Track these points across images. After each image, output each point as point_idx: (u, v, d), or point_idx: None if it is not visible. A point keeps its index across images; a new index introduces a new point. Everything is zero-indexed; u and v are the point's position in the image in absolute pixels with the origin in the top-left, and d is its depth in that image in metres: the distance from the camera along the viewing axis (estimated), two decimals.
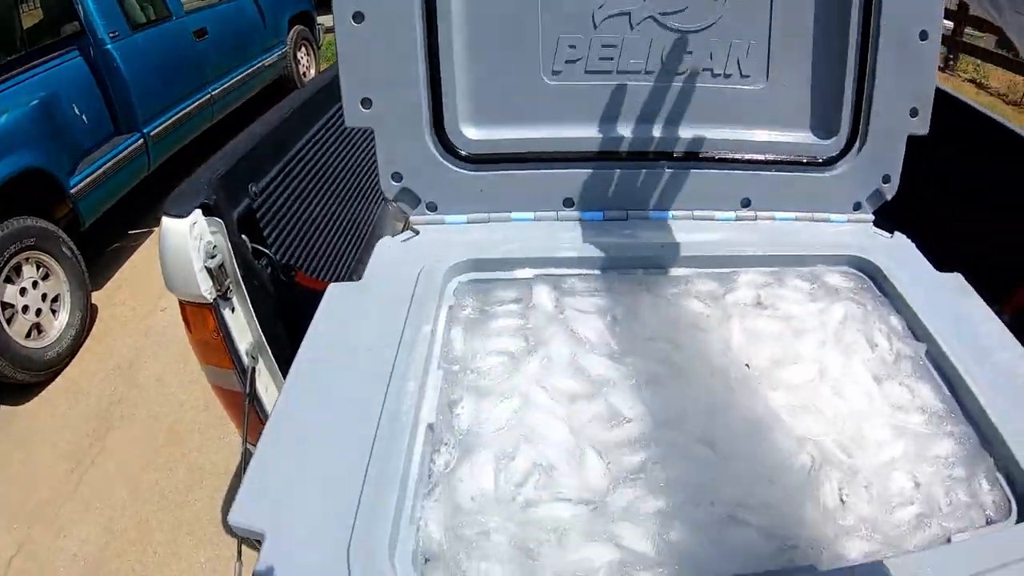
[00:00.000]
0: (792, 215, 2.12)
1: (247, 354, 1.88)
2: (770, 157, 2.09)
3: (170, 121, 5.49)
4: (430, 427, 1.39)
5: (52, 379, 4.04)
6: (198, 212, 1.70)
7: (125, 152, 4.92)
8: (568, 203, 1.98)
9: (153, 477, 3.47)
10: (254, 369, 1.88)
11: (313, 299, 1.69)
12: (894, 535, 1.30)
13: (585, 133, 1.96)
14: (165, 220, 1.69)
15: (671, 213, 2.04)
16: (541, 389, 1.50)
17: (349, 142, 2.81)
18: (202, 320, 1.81)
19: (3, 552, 3.12)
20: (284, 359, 1.92)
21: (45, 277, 4.04)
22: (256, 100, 7.29)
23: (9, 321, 3.77)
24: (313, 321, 1.60)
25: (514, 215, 1.96)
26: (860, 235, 2.10)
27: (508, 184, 1.94)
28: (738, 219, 2.09)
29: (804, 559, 1.25)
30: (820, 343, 1.70)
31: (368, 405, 1.38)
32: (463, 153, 1.90)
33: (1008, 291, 2.40)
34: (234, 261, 1.79)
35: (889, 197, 2.14)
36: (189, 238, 1.67)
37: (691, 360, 1.62)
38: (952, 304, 1.79)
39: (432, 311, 1.61)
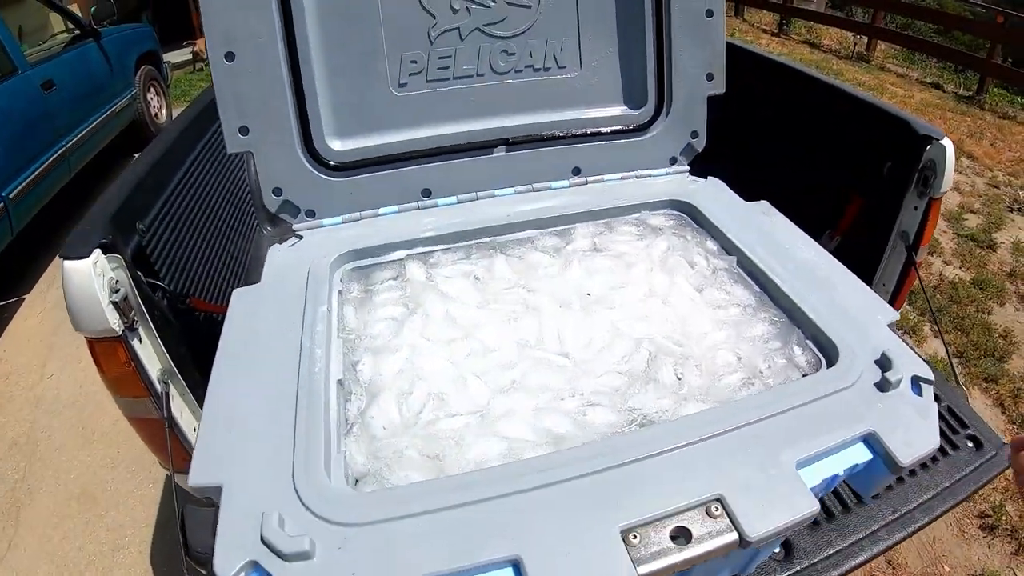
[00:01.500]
0: (618, 176, 2.49)
1: (159, 380, 1.96)
2: (592, 131, 2.45)
3: (28, 180, 5.22)
4: (339, 383, 1.65)
5: None
6: (98, 251, 1.77)
7: None
8: (426, 193, 2.29)
9: (74, 545, 3.36)
10: (167, 394, 1.96)
11: (210, 320, 1.84)
12: (724, 396, 1.64)
13: (433, 132, 2.26)
14: (66, 264, 1.73)
15: (514, 189, 2.38)
16: (424, 340, 1.80)
17: (223, 171, 3.00)
18: (113, 354, 1.86)
19: None
20: (193, 382, 2.09)
21: None
22: (111, 149, 7.10)
23: None
24: (226, 320, 1.80)
25: (382, 210, 2.25)
26: (678, 183, 2.48)
27: (373, 185, 2.22)
28: (571, 186, 2.44)
29: (651, 422, 1.57)
30: (648, 270, 2.05)
31: (287, 373, 1.60)
32: (331, 163, 2.18)
33: (835, 219, 2.85)
34: (136, 293, 1.89)
35: (700, 149, 2.52)
36: (93, 276, 1.73)
37: (542, 299, 1.93)
38: (759, 224, 2.17)
39: (325, 296, 1.86)
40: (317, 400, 1.56)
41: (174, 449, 1.96)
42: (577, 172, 2.47)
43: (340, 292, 1.96)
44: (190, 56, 11.07)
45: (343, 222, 2.23)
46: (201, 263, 2.54)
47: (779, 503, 1.28)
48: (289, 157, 2.12)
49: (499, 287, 2.01)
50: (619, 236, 2.26)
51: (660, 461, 1.37)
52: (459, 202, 2.33)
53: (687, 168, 2.56)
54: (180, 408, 2.05)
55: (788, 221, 2.20)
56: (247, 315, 1.84)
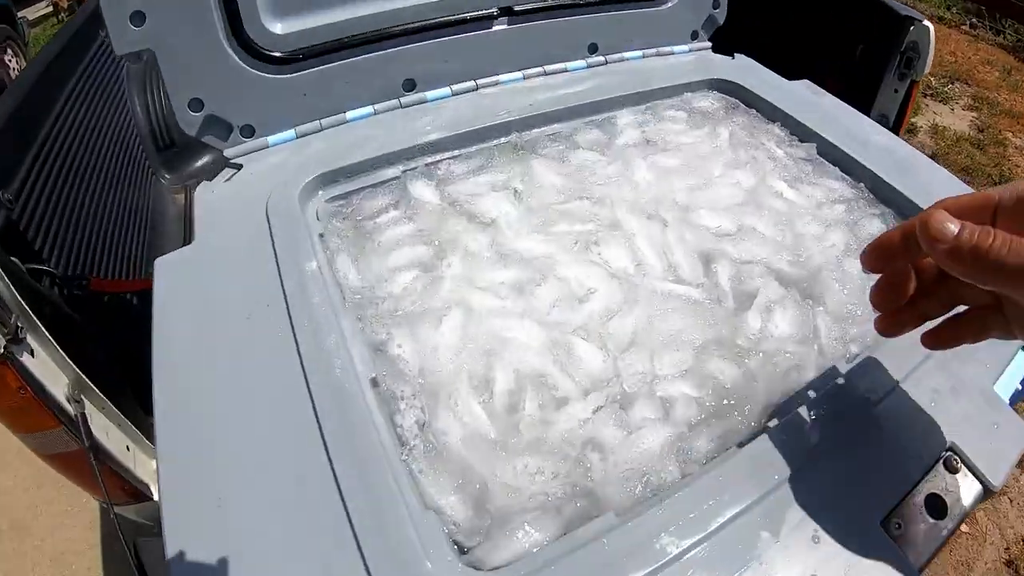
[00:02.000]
0: (639, 53, 1.94)
1: (69, 400, 1.41)
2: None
3: None
4: (374, 383, 1.01)
5: None
6: None
7: None
8: (409, 85, 1.61)
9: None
10: (84, 415, 1.41)
11: (121, 303, 1.28)
12: None
13: (412, 1, 1.60)
14: None
15: (522, 73, 1.73)
16: (479, 290, 1.15)
17: (110, 107, 2.25)
18: (2, 382, 1.33)
19: None
20: (114, 389, 1.49)
21: None
22: None
23: None
24: (154, 311, 1.14)
25: (350, 114, 1.55)
26: (707, 61, 2.00)
27: (335, 79, 1.53)
28: (589, 67, 1.84)
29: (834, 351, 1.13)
30: (725, 165, 1.52)
31: (285, 383, 0.99)
32: (273, 54, 1.46)
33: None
34: (13, 291, 1.31)
35: (721, 21, 2.07)
36: None
37: (618, 210, 1.34)
38: (816, 104, 1.75)
39: (307, 243, 1.20)
40: (350, 425, 0.94)
41: (107, 479, 1.43)
42: (594, 50, 1.86)
43: (322, 236, 1.27)
44: (51, 8, 9.48)
45: (297, 136, 1.53)
46: (98, 231, 1.83)
47: (1000, 436, 1.03)
48: (210, 50, 1.42)
49: (552, 199, 1.37)
50: (670, 124, 1.67)
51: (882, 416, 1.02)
52: (454, 93, 1.65)
53: (709, 44, 2.09)
54: (104, 427, 1.47)
55: (840, 102, 1.81)
56: (189, 297, 1.16)
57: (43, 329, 1.36)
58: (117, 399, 1.48)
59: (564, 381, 1.03)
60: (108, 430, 1.48)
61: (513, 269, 1.20)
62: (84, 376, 1.43)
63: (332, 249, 1.24)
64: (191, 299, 1.16)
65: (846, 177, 1.52)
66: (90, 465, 1.37)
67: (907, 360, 1.08)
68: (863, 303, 1.18)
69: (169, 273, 1.21)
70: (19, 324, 1.32)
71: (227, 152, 1.48)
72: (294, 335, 1.05)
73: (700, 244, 1.28)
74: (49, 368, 1.39)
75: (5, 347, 1.27)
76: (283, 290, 1.12)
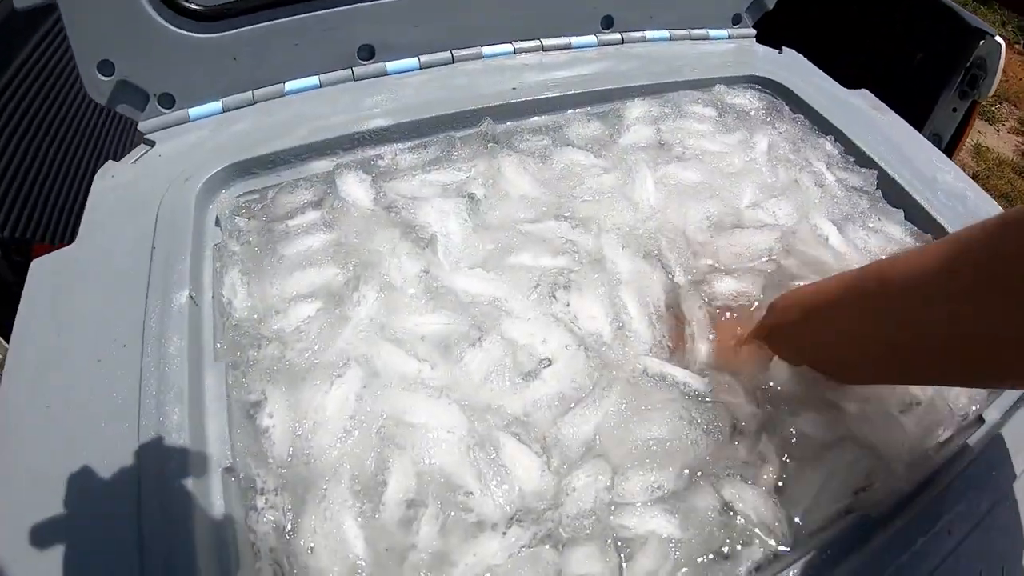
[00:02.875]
0: (666, 33, 1.57)
1: None
2: None
3: None
4: (228, 472, 0.74)
5: None
6: None
7: None
8: (366, 53, 1.28)
9: None
10: None
11: None
12: None
13: None
14: None
15: (513, 46, 1.39)
16: (390, 344, 0.86)
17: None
18: None
19: None
20: None
21: None
22: None
23: None
24: (16, 321, 0.90)
25: (290, 84, 1.24)
26: (749, 52, 1.61)
27: (273, 41, 1.21)
28: (600, 44, 1.48)
29: None
30: (759, 189, 1.19)
31: (112, 466, 0.74)
32: (196, 8, 1.16)
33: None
34: None
35: (771, 6, 1.68)
36: None
37: (606, 240, 1.02)
38: (873, 122, 1.41)
39: (186, 263, 0.91)
40: (185, 526, 0.69)
41: None
42: (609, 24, 1.50)
43: (217, 245, 0.98)
44: None
45: (224, 110, 1.23)
46: (52, 193, 1.60)
47: None
48: (121, 2, 1.12)
49: (519, 215, 1.05)
50: (694, 123, 1.32)
51: None
52: (422, 66, 1.34)
53: (753, 32, 1.69)
54: None
55: (903, 123, 1.46)
56: (46, 314, 0.91)
57: None
58: None
59: (481, 499, 0.74)
60: None
61: (442, 316, 0.89)
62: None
63: (224, 262, 0.95)
64: (49, 319, 0.89)
65: (909, 224, 1.18)
66: None
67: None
68: None
69: (40, 278, 0.95)
70: None
71: (141, 125, 1.20)
72: (139, 396, 0.78)
73: (712, 310, 0.97)
74: None
75: None
76: (144, 324, 0.85)
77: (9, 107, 1.52)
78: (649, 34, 1.55)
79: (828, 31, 2.32)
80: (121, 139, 2.01)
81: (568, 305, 0.93)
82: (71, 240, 1.03)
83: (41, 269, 0.97)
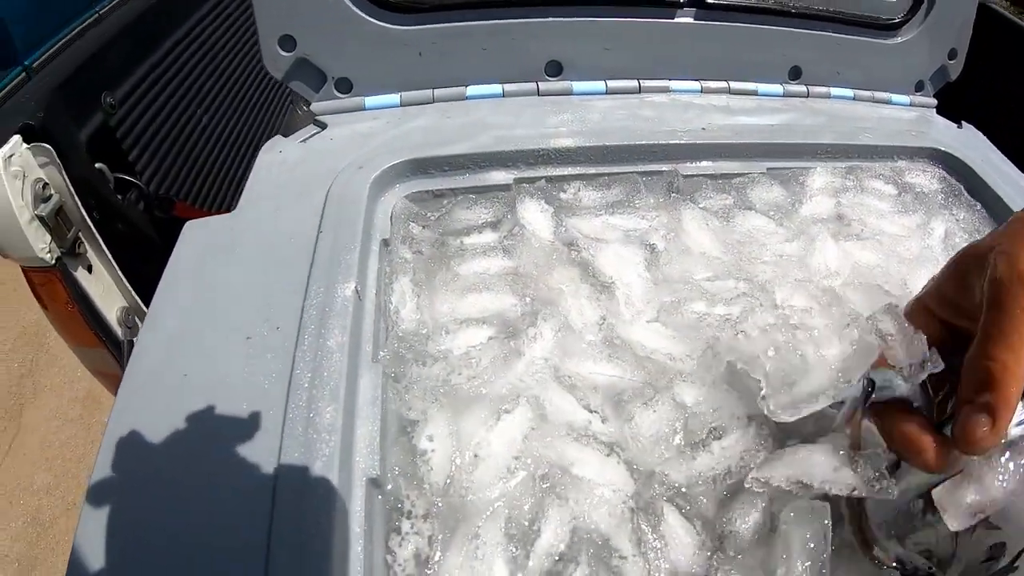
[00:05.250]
0: (850, 92, 1.52)
1: (120, 323, 1.31)
2: (826, 12, 1.48)
3: (56, 47, 4.39)
4: (374, 484, 0.72)
5: None
6: (16, 139, 1.08)
7: (5, 90, 3.93)
8: (554, 69, 1.26)
9: (75, 454, 2.93)
10: (131, 343, 1.28)
11: None
12: None
13: None
14: None
15: (700, 84, 1.36)
16: (563, 389, 0.82)
17: (246, 29, 2.02)
18: (52, 289, 1.27)
19: None
20: None
21: None
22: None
23: None
24: (160, 285, 0.90)
25: (471, 89, 1.22)
26: (929, 124, 1.53)
27: (461, 42, 1.20)
28: (786, 95, 1.45)
29: None
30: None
31: (250, 451, 0.72)
32: None
33: None
34: (78, 202, 1.17)
35: (954, 77, 1.61)
36: (6, 177, 1.08)
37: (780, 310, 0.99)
38: None
39: (354, 255, 0.89)
40: (322, 534, 0.66)
41: None
42: (796, 75, 1.45)
43: (385, 241, 0.97)
44: None
45: (402, 104, 1.22)
46: (201, 152, 1.62)
47: None
48: None
49: (699, 273, 1.00)
50: (874, 201, 1.24)
51: None
52: (609, 92, 1.30)
53: (934, 102, 1.61)
54: None
55: None
56: (197, 288, 0.90)
57: (103, 246, 1.25)
58: None
59: (633, 565, 0.70)
60: None
61: (618, 368, 0.84)
62: (143, 303, 1.31)
63: (394, 266, 0.93)
64: (197, 284, 0.89)
65: None
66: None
67: None
68: None
69: (193, 242, 0.95)
70: (79, 236, 1.22)
71: (314, 106, 1.20)
72: (288, 385, 0.76)
73: None
74: (105, 287, 1.30)
75: (58, 259, 1.18)
76: (300, 315, 0.83)
77: (168, 73, 1.54)
78: (834, 91, 1.50)
79: (1010, 108, 2.20)
80: (270, 115, 2.03)
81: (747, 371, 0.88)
82: (211, 204, 1.03)
83: (194, 233, 0.97)
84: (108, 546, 0.65)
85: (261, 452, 0.72)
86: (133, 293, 1.33)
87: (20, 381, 3.28)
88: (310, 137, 1.16)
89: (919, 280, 1.09)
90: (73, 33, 4.52)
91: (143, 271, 1.28)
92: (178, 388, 0.78)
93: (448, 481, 0.74)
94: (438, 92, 1.22)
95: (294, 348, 0.80)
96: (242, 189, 1.04)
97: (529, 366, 0.83)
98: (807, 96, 1.46)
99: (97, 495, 0.70)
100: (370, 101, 1.20)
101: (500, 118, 1.18)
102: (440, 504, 0.72)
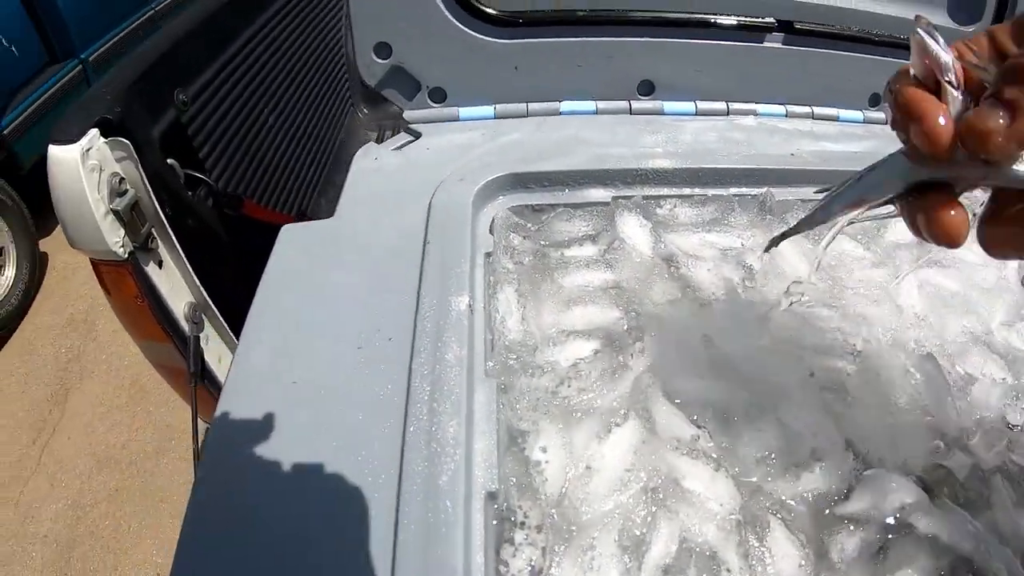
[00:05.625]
0: None
1: (187, 319, 1.29)
2: (905, 40, 1.48)
3: (111, 42, 4.38)
4: (491, 497, 0.70)
5: (4, 341, 3.44)
6: (94, 133, 1.06)
7: (63, 82, 4.01)
8: (646, 88, 1.26)
9: (119, 440, 2.92)
10: (198, 339, 1.28)
11: (268, 235, 1.09)
12: None
13: None
14: (51, 150, 1.04)
15: (785, 109, 1.35)
16: (669, 406, 0.81)
17: (314, 29, 2.04)
18: (120, 282, 1.25)
19: None
20: (242, 317, 1.28)
21: None
22: None
23: None
24: (255, 303, 0.91)
25: (565, 105, 1.23)
26: None
27: (557, 59, 1.20)
28: (866, 123, 1.44)
29: None
30: (1011, 307, 1.09)
31: (369, 462, 0.71)
32: (488, 10, 1.16)
33: None
34: (153, 198, 1.15)
35: None
36: (83, 170, 1.06)
37: (874, 339, 0.96)
38: None
39: (464, 267, 0.88)
40: (441, 548, 0.65)
41: (207, 404, 1.29)
42: (875, 102, 1.43)
43: (488, 255, 0.96)
44: None
45: (496, 117, 1.23)
46: (267, 153, 1.65)
47: None
48: None
49: (781, 290, 1.00)
50: None
51: None
52: (698, 113, 1.30)
53: None
54: (218, 352, 1.34)
55: None
56: (297, 292, 0.91)
57: (175, 242, 1.22)
58: (239, 329, 1.27)
59: None
60: (222, 356, 1.35)
61: (724, 385, 0.85)
62: (210, 299, 1.29)
63: (498, 276, 0.94)
64: (305, 291, 0.90)
65: None
66: (190, 391, 1.25)
67: None
68: None
69: (294, 245, 0.96)
70: (151, 232, 1.19)
71: (407, 115, 1.21)
72: (406, 400, 0.75)
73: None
74: (175, 283, 1.27)
75: (131, 253, 1.16)
76: (414, 327, 0.83)
77: (237, 72, 1.56)
78: None
79: None
80: (333, 118, 2.05)
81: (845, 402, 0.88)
82: (275, 203, 1.03)
83: (295, 235, 0.98)
84: (214, 556, 0.65)
85: (381, 462, 0.71)
86: (202, 289, 1.34)
87: (67, 367, 3.28)
88: (404, 145, 1.16)
89: (996, 306, 1.09)
90: (127, 31, 4.58)
91: (210, 268, 1.29)
92: (287, 394, 0.77)
93: (563, 492, 0.74)
94: (532, 106, 1.22)
95: (409, 360, 0.78)
96: (306, 189, 1.03)
97: (637, 380, 0.83)
98: (886, 123, 1.45)
99: (201, 503, 0.69)
100: (465, 112, 1.21)
101: (594, 135, 1.17)
102: (555, 515, 0.72)
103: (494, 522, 0.70)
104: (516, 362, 0.83)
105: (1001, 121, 0.42)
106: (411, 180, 1.06)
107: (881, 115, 1.43)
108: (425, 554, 0.64)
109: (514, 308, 0.89)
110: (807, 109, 1.35)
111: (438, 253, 0.90)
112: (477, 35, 1.17)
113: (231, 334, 1.32)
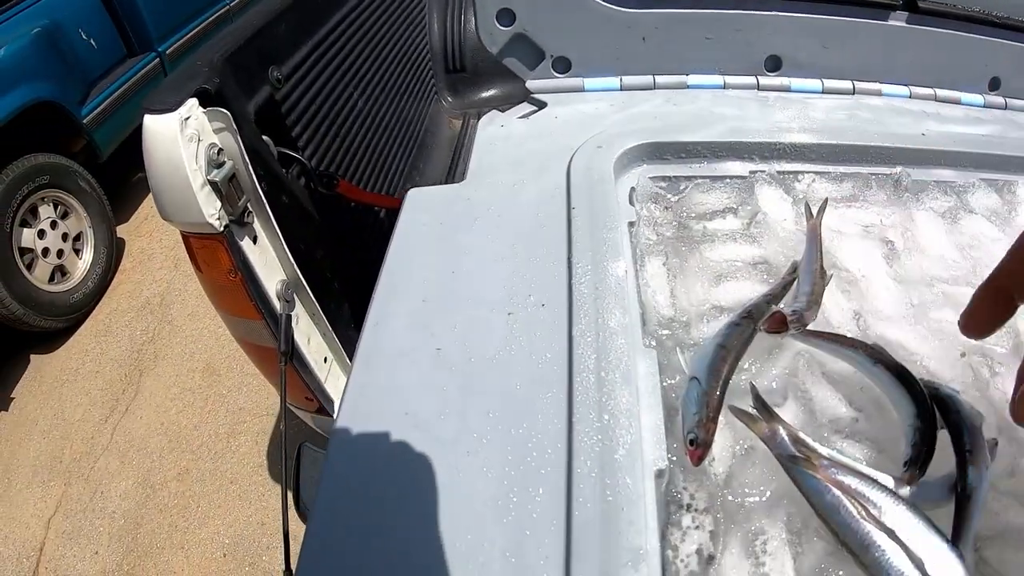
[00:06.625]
0: None
1: (279, 297, 1.24)
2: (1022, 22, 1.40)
3: (187, 37, 4.47)
4: (660, 475, 0.65)
5: (81, 322, 3.46)
6: (193, 102, 1.00)
7: (140, 74, 4.05)
8: (772, 64, 1.21)
9: (191, 422, 2.91)
10: (289, 317, 1.23)
11: (362, 216, 1.04)
12: None
13: None
14: (147, 119, 0.97)
15: (909, 90, 1.28)
16: (827, 382, 0.75)
17: (399, 16, 2.00)
18: (213, 257, 1.19)
19: (42, 512, 2.68)
20: (330, 298, 1.28)
21: (64, 216, 3.36)
22: None
23: (29, 267, 3.15)
24: (384, 271, 0.86)
25: (692, 79, 1.19)
26: None
27: (685, 31, 1.16)
28: (986, 106, 1.36)
29: None
30: None
31: (533, 431, 0.65)
32: None
33: None
34: (250, 169, 1.10)
35: None
36: (181, 139, 1.00)
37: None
38: None
39: (616, 234, 0.82)
40: (612, 526, 0.59)
41: (295, 385, 1.27)
42: (995, 86, 1.35)
43: (632, 225, 0.90)
44: None
45: (622, 89, 1.18)
46: (359, 135, 1.61)
47: None
48: None
49: (935, 272, 0.93)
50: None
51: None
52: (825, 91, 1.24)
53: None
54: (307, 332, 1.28)
55: None
56: (437, 250, 0.86)
57: (271, 217, 1.16)
58: (329, 309, 1.26)
59: None
60: (311, 336, 1.29)
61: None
62: (302, 277, 1.23)
63: (643, 248, 0.89)
64: (442, 256, 0.85)
65: None
66: (280, 369, 1.18)
67: None
68: None
69: (425, 209, 0.92)
70: (247, 206, 1.13)
71: (530, 84, 1.16)
72: (569, 366, 0.69)
73: None
74: (268, 259, 1.21)
75: (227, 226, 1.09)
76: (569, 292, 0.77)
77: (330, 52, 1.52)
78: None
79: None
80: (418, 103, 2.00)
81: (998, 387, 0.83)
82: (364, 184, 0.99)
83: (424, 199, 0.94)
84: (352, 534, 0.61)
85: (547, 435, 0.65)
86: (295, 267, 1.31)
87: (142, 348, 3.31)
88: (530, 114, 1.12)
89: None
90: (203, 25, 4.59)
91: (302, 246, 1.25)
92: (431, 362, 0.72)
93: (729, 473, 0.69)
94: (659, 79, 1.17)
95: (568, 326, 0.74)
96: (392, 176, 0.98)
97: (794, 359, 0.79)
98: (1005, 108, 1.37)
99: (336, 474, 0.65)
100: (590, 83, 1.16)
101: (726, 109, 1.12)
102: (726, 497, 0.68)
103: (666, 500, 0.65)
104: (669, 338, 0.78)
105: None
106: (543, 147, 1.01)
107: (999, 99, 1.35)
108: (604, 534, 0.58)
109: (663, 281, 0.84)
110: (930, 91, 1.29)
111: (585, 218, 0.85)
112: (605, 3, 1.12)
113: (322, 314, 1.27)
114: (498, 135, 1.05)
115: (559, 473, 0.62)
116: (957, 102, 1.31)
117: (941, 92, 1.30)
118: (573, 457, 0.63)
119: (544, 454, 0.64)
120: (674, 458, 0.68)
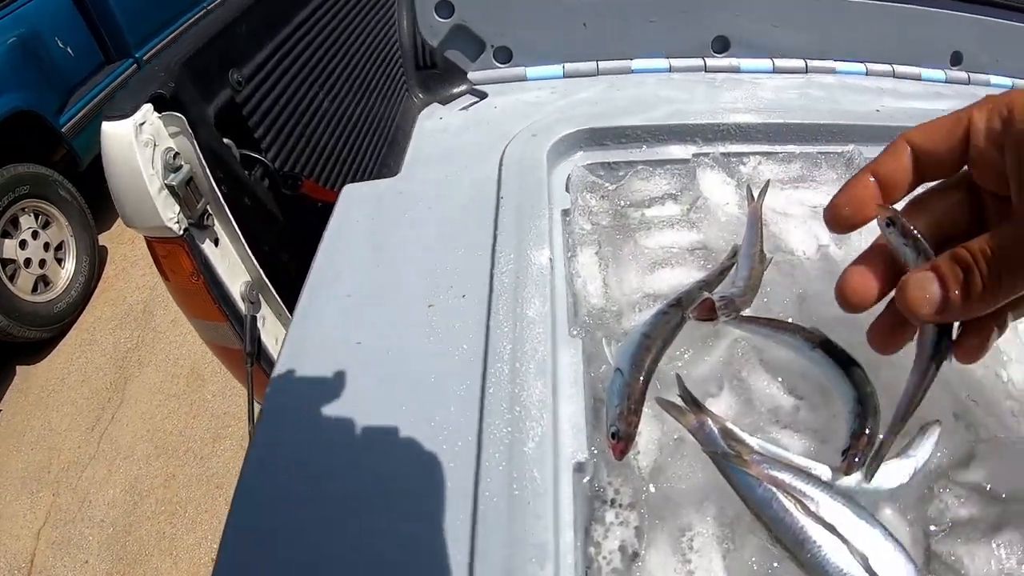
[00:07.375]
0: (1008, 81, 1.35)
1: (243, 298, 1.22)
2: None
3: (164, 42, 4.40)
4: (579, 469, 0.62)
5: (66, 332, 3.43)
6: (147, 108, 0.98)
7: (118, 81, 4.02)
8: (721, 45, 1.16)
9: (176, 427, 2.92)
10: (254, 318, 1.21)
11: (329, 215, 1.01)
12: None
13: None
14: (104, 126, 0.97)
15: (866, 67, 1.24)
16: (766, 371, 0.71)
17: (368, 13, 1.96)
18: (176, 261, 1.18)
19: (32, 523, 2.66)
20: (297, 297, 1.21)
21: (46, 225, 3.33)
22: None
23: (12, 278, 3.12)
24: (316, 262, 0.83)
25: (637, 63, 1.13)
26: None
27: (630, 12, 1.10)
28: (948, 82, 1.32)
29: None
30: None
31: (444, 426, 0.62)
32: None
33: None
34: (208, 173, 1.08)
35: None
36: (137, 145, 0.98)
37: None
38: None
39: (543, 222, 0.79)
40: (525, 524, 0.56)
41: (264, 389, 1.09)
42: (957, 60, 1.31)
43: (566, 214, 0.87)
44: None
45: (565, 76, 1.13)
46: (327, 135, 1.56)
47: None
48: None
49: None
50: None
51: None
52: (776, 71, 1.19)
53: None
54: (275, 333, 1.27)
55: None
56: (365, 239, 0.83)
57: (231, 219, 1.14)
58: (292, 306, 1.19)
59: None
60: (278, 337, 1.27)
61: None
62: (267, 278, 1.22)
63: (576, 237, 0.84)
64: (371, 249, 0.81)
65: None
66: (246, 371, 1.17)
67: None
68: None
69: (358, 203, 0.87)
70: (207, 209, 1.12)
71: (472, 75, 1.12)
72: (485, 357, 0.66)
73: None
74: (231, 261, 1.20)
75: (186, 229, 1.09)
76: (490, 282, 0.74)
77: (292, 54, 1.48)
78: (993, 79, 1.35)
79: None
80: (386, 102, 1.95)
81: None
82: (330, 184, 0.95)
83: (358, 194, 0.90)
84: (266, 532, 0.58)
85: (457, 427, 0.62)
86: (259, 268, 1.28)
87: (126, 355, 3.29)
88: (470, 105, 1.07)
89: None
90: (181, 31, 4.58)
91: (267, 247, 1.21)
92: (351, 356, 0.69)
93: (655, 466, 0.64)
94: (603, 64, 1.12)
95: (486, 317, 0.70)
96: (361, 174, 0.95)
97: (731, 348, 0.73)
98: (968, 83, 1.32)
99: (254, 471, 0.62)
100: (532, 72, 1.12)
101: (671, 92, 1.07)
102: (650, 492, 0.63)
103: (588, 495, 0.61)
104: (600, 329, 0.73)
105: (930, 296, 0.44)
106: (479, 137, 0.97)
107: (962, 74, 1.29)
108: (510, 529, 0.55)
109: (595, 271, 0.79)
110: (888, 67, 1.24)
111: (513, 208, 0.81)
112: None
113: (288, 314, 1.25)
114: (436, 127, 1.01)
115: (469, 467, 0.59)
116: (918, 78, 1.25)
117: (900, 68, 1.24)
118: (482, 450, 0.60)
119: (454, 447, 0.61)
120: (596, 451, 0.64)
